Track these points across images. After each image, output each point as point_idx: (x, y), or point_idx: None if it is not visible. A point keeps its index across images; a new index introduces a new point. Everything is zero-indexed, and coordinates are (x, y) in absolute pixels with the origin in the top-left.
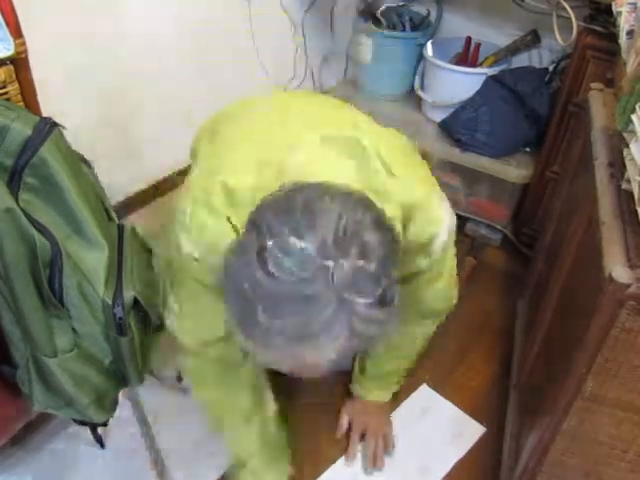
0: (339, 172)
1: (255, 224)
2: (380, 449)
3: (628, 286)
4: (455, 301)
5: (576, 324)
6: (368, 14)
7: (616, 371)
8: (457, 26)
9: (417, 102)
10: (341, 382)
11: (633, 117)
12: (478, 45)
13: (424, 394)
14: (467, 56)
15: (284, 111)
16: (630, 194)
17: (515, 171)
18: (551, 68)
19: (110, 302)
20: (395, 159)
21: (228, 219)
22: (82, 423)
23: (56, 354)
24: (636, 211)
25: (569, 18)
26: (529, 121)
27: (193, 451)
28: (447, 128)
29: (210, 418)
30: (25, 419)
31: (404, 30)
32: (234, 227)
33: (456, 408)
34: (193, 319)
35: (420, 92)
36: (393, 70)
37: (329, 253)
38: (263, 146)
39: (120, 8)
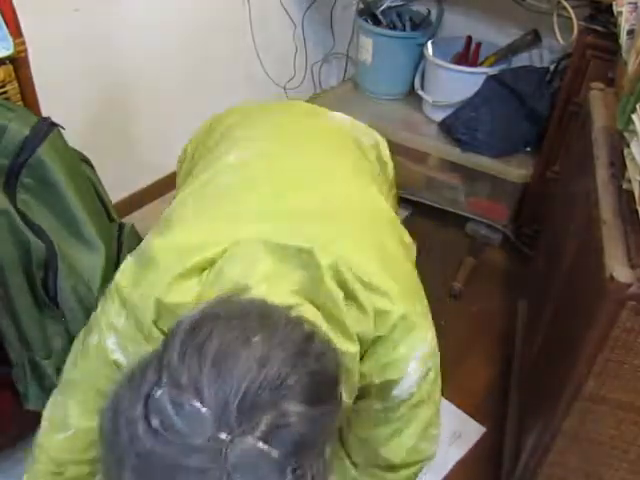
0: (282, 291)
1: (161, 353)
2: None
3: (629, 286)
4: (431, 453)
5: (577, 324)
6: (368, 14)
7: (617, 371)
8: (457, 25)
9: (417, 102)
10: None
11: (634, 117)
12: (478, 45)
13: None
14: (467, 56)
15: (251, 180)
16: (631, 194)
17: (515, 171)
18: (552, 68)
19: None
20: (364, 271)
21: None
22: None
23: (50, 355)
24: (637, 211)
25: (570, 18)
26: (529, 121)
27: None
28: (447, 128)
29: None
30: (23, 420)
31: (404, 30)
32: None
33: (456, 408)
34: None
35: (420, 92)
36: (393, 70)
37: (228, 423)
38: (214, 226)
39: (120, 8)
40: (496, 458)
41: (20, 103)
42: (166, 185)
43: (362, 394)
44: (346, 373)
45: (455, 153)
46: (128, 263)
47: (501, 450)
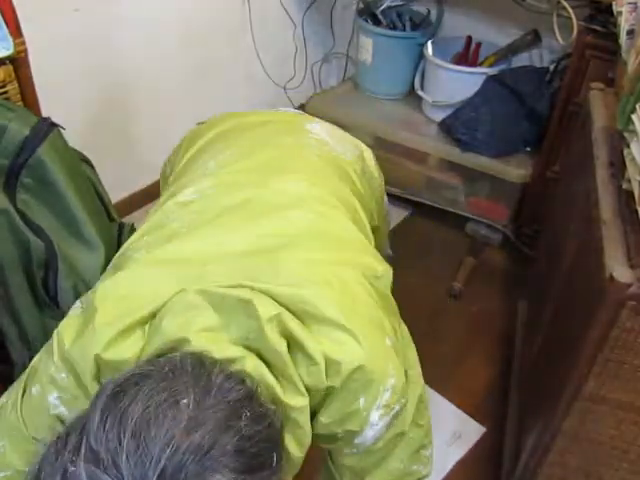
0: (223, 343)
1: (82, 420)
2: None
3: (629, 286)
4: (425, 473)
5: (577, 324)
6: (368, 14)
7: (617, 371)
8: (457, 25)
9: (417, 102)
10: None
11: (633, 117)
12: (478, 45)
13: None
14: (467, 56)
15: (201, 220)
16: (630, 194)
17: (515, 171)
18: (551, 68)
19: None
20: (315, 316)
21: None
22: None
23: None
24: (637, 211)
25: (569, 18)
26: (529, 121)
27: None
28: (447, 128)
29: None
30: None
31: (404, 30)
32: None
33: (456, 408)
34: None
35: (420, 92)
36: (393, 70)
37: None
38: (157, 274)
39: (120, 8)
40: (496, 458)
41: (20, 103)
42: None
43: (328, 440)
44: (294, 426)
45: (455, 153)
46: (75, 311)
47: (501, 450)
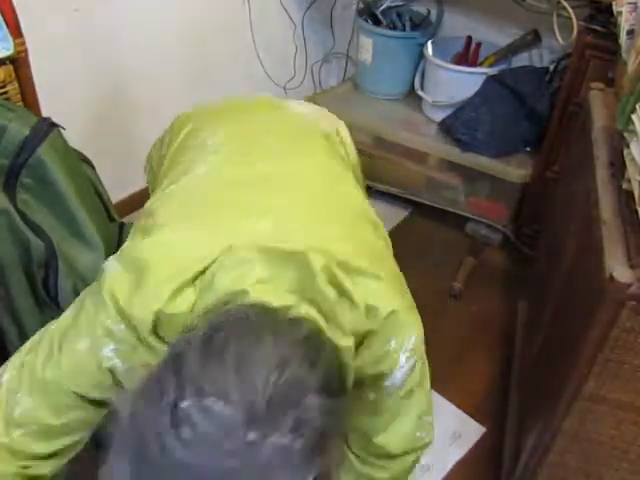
0: (279, 292)
1: (176, 365)
2: None
3: (629, 286)
4: (428, 441)
5: (577, 324)
6: (368, 14)
7: (617, 371)
8: (457, 25)
9: (417, 102)
10: None
11: (633, 117)
12: (478, 45)
13: None
14: (467, 56)
15: (234, 182)
16: (630, 194)
17: (515, 171)
18: (551, 68)
19: None
20: (356, 268)
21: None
22: None
23: None
24: (636, 211)
25: (569, 18)
26: (529, 121)
27: None
28: (447, 128)
29: None
30: None
31: (404, 30)
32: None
33: (456, 408)
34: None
35: (420, 92)
36: (393, 70)
37: (257, 423)
38: (204, 233)
39: (120, 8)
40: (496, 458)
41: (20, 103)
42: None
43: (355, 385)
44: (344, 367)
45: (455, 153)
46: (118, 269)
47: (501, 450)
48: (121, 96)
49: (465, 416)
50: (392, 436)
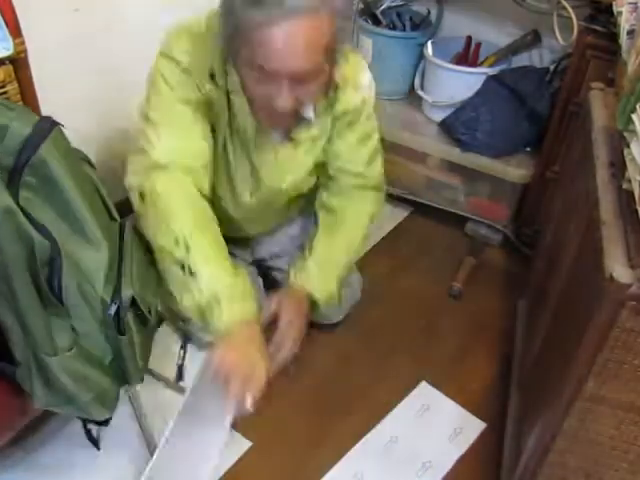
0: None
1: None
2: (290, 339)
3: (629, 286)
4: (383, 181)
5: (576, 324)
6: (368, 14)
7: (617, 371)
8: (457, 25)
9: (417, 102)
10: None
11: (634, 117)
12: (478, 45)
13: (424, 391)
14: (467, 56)
15: None
16: (631, 194)
17: (515, 171)
18: (552, 68)
19: (109, 301)
20: None
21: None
22: (84, 421)
23: (56, 352)
24: (637, 211)
25: (570, 18)
26: (529, 121)
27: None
28: (447, 128)
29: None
30: (26, 419)
31: (404, 30)
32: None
33: (456, 405)
34: (179, 141)
35: (420, 92)
36: (393, 70)
37: None
38: None
39: (120, 8)
40: (496, 457)
41: (20, 103)
42: None
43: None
44: None
45: (455, 153)
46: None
47: (501, 450)
48: (121, 96)
49: (466, 412)
50: (355, 159)
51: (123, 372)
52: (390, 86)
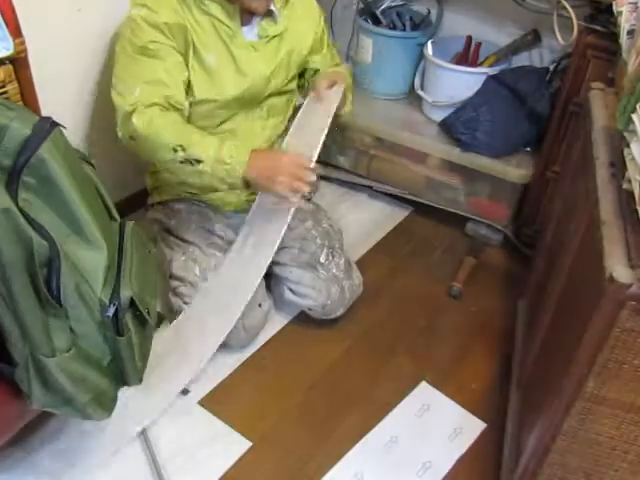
0: None
1: None
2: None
3: (629, 286)
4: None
5: (577, 324)
6: (368, 14)
7: (617, 371)
8: (457, 25)
9: (417, 102)
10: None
11: (634, 116)
12: (478, 44)
13: (424, 391)
14: (467, 55)
15: None
16: (631, 194)
17: (515, 171)
18: (552, 68)
19: (107, 302)
20: None
21: None
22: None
23: (54, 353)
24: (637, 211)
25: (570, 17)
26: (529, 121)
27: (192, 452)
28: (447, 128)
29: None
30: (26, 419)
31: (404, 29)
32: None
33: (457, 405)
34: (144, 85)
35: (420, 92)
36: (393, 70)
37: None
38: None
39: (122, 8)
40: (496, 457)
41: (20, 103)
42: None
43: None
44: None
45: (455, 153)
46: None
47: (501, 450)
48: None
49: (466, 412)
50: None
51: (121, 373)
52: (390, 86)
